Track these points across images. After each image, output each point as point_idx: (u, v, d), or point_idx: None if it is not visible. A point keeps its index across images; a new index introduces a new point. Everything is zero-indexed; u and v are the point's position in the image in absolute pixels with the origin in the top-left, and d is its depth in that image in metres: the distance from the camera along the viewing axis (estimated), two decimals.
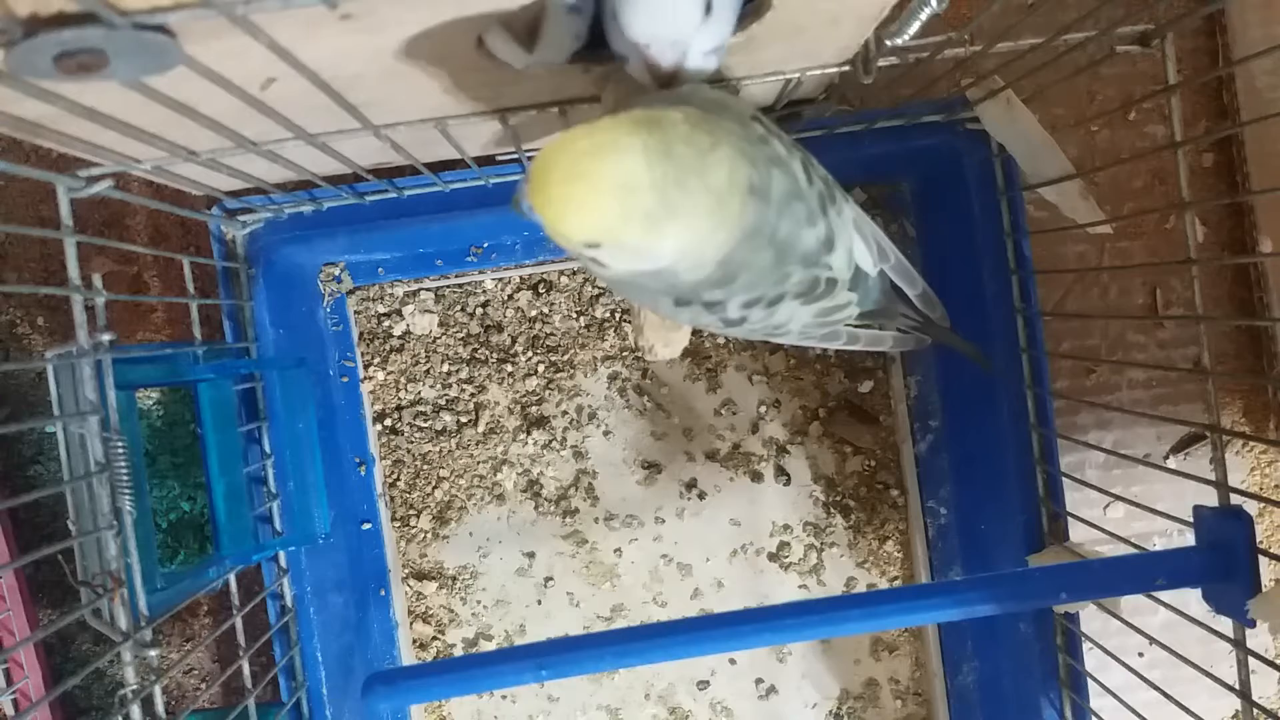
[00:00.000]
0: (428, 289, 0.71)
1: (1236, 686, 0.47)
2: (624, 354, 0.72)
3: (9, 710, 0.65)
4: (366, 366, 0.71)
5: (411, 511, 0.72)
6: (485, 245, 0.69)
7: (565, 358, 0.71)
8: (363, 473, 0.71)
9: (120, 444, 0.47)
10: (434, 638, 0.72)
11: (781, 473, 0.72)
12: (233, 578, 0.58)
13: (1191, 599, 0.50)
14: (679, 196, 0.34)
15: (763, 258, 0.40)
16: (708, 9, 0.36)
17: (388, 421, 0.72)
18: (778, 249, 0.40)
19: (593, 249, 0.35)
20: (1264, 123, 0.65)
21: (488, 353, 0.71)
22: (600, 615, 0.72)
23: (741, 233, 0.38)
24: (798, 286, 0.43)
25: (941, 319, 0.55)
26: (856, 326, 0.52)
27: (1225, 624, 0.48)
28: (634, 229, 0.34)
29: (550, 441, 0.72)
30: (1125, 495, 0.58)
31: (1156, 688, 0.52)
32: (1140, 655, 0.67)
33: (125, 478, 0.47)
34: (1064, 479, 0.61)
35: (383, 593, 0.71)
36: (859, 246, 0.47)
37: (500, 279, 0.71)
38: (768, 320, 0.45)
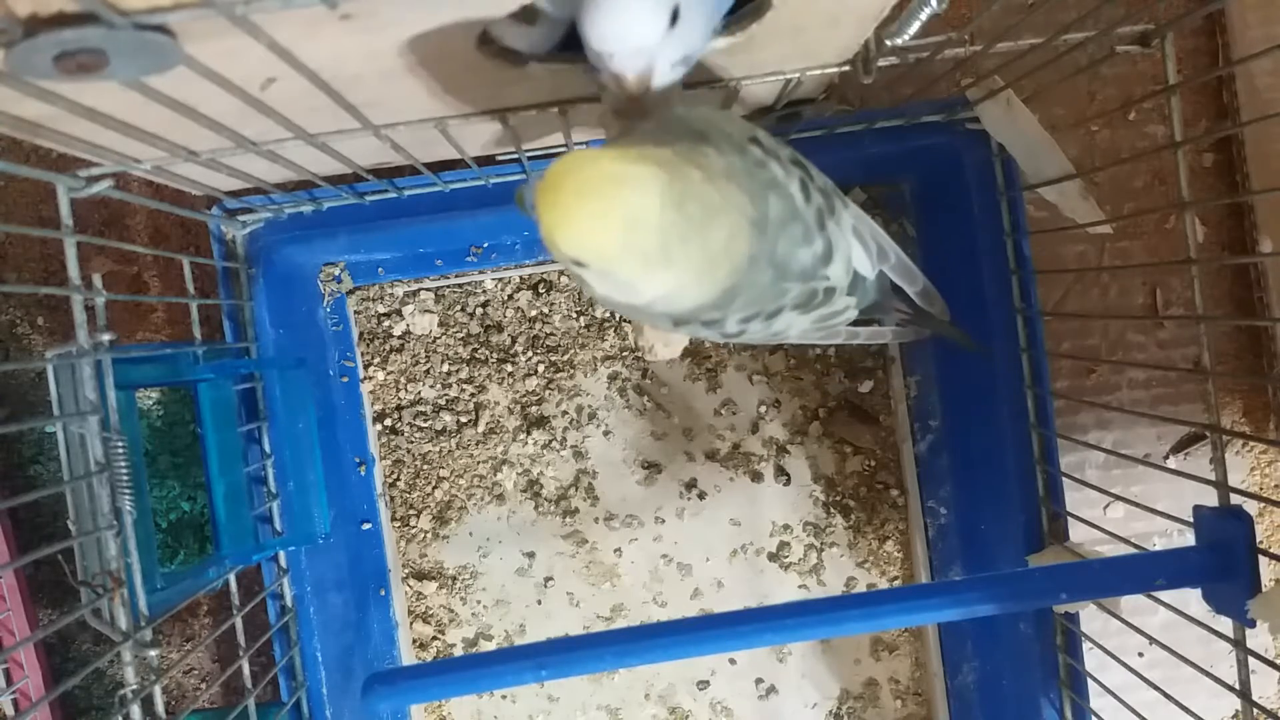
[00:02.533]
0: (428, 289, 0.71)
1: (1236, 686, 0.47)
2: (624, 354, 0.72)
3: (9, 710, 0.65)
4: (366, 366, 0.71)
5: (411, 511, 0.72)
6: (485, 245, 0.69)
7: (565, 358, 0.71)
8: (363, 473, 0.71)
9: (120, 444, 0.47)
10: (434, 638, 0.72)
11: (781, 473, 0.72)
12: (233, 578, 0.58)
13: (1191, 599, 0.50)
14: (678, 249, 0.35)
15: (761, 279, 0.41)
16: (674, 19, 0.35)
17: (388, 421, 0.72)
18: (776, 268, 0.41)
19: (579, 267, 0.35)
20: (1264, 123, 0.65)
21: (488, 353, 0.72)
22: (600, 615, 0.72)
23: (729, 283, 0.39)
24: (796, 299, 0.44)
25: (942, 313, 0.55)
26: (855, 324, 0.53)
27: (1225, 624, 0.48)
28: (629, 265, 0.35)
29: (550, 441, 0.72)
30: (1125, 495, 0.58)
31: (1156, 688, 0.52)
32: (1140, 655, 0.67)
33: (125, 478, 0.47)
34: (1064, 479, 0.61)
35: (383, 593, 0.71)
36: (858, 253, 0.48)
37: (500, 279, 0.71)
38: (766, 330, 0.45)
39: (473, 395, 0.72)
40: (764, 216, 0.39)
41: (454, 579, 0.72)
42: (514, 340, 0.72)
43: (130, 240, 0.69)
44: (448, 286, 0.71)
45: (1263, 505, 0.72)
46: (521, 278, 0.71)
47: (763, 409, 0.72)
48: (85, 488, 0.47)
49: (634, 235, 0.34)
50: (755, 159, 0.40)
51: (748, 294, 0.41)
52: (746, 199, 0.38)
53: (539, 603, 0.72)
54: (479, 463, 0.72)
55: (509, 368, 0.71)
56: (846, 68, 0.47)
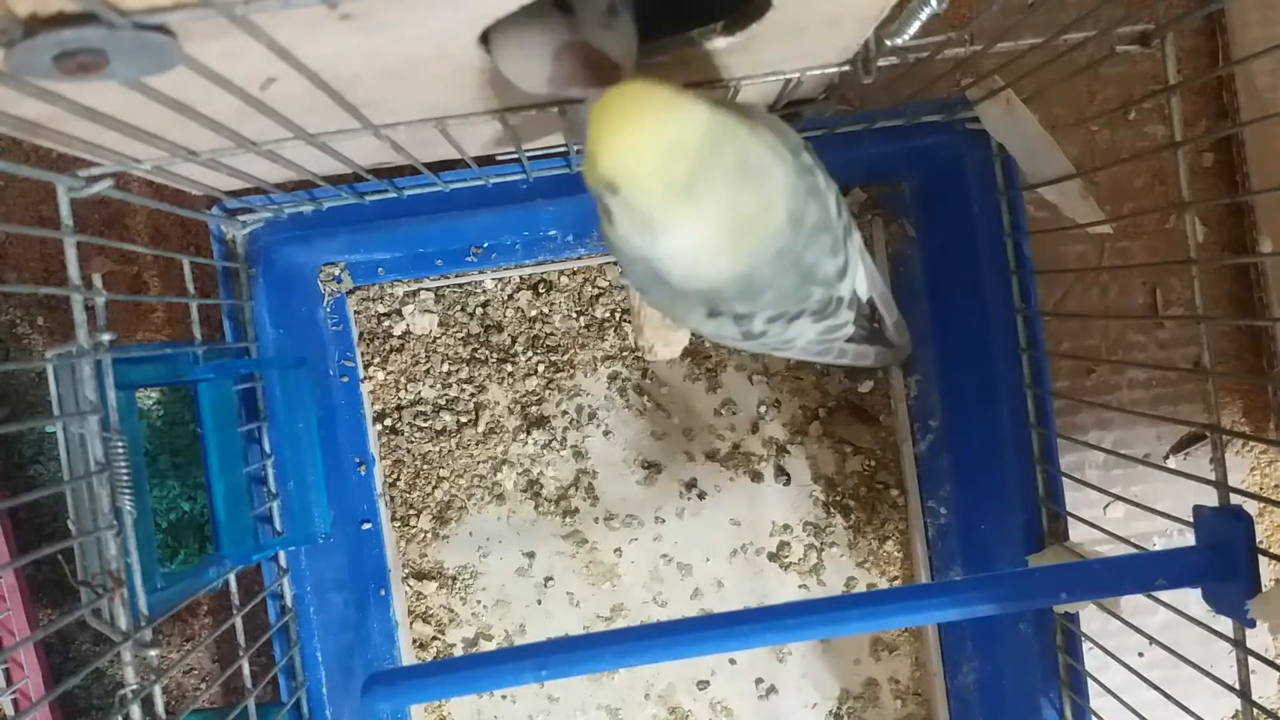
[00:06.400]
0: (428, 289, 0.71)
1: (1236, 686, 0.47)
2: (624, 354, 0.72)
3: (9, 710, 0.65)
4: (366, 366, 0.71)
5: (411, 511, 0.72)
6: (485, 245, 0.69)
7: (565, 358, 0.71)
8: (363, 473, 0.71)
9: (120, 444, 0.47)
10: (434, 638, 0.72)
11: (781, 473, 0.72)
12: (233, 578, 0.58)
13: (1191, 599, 0.50)
14: (705, 191, 0.35)
15: (787, 280, 0.42)
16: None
17: (388, 421, 0.72)
18: (802, 273, 0.43)
19: (610, 195, 0.36)
20: (1264, 123, 0.65)
21: (488, 353, 0.72)
22: (600, 615, 0.72)
23: (757, 260, 0.39)
24: (816, 305, 0.46)
25: (906, 346, 0.58)
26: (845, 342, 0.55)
27: (1225, 624, 0.48)
28: (655, 191, 0.35)
29: (550, 441, 0.72)
30: (1125, 495, 0.58)
31: (1156, 688, 0.52)
32: (1140, 655, 0.67)
33: (125, 478, 0.47)
34: (1064, 479, 0.61)
35: (383, 593, 0.71)
36: (861, 275, 0.50)
37: (500, 279, 0.71)
38: (782, 335, 0.47)
39: (473, 395, 0.72)
40: (801, 217, 0.40)
41: (454, 579, 0.72)
42: (514, 340, 0.72)
43: (130, 240, 0.69)
44: (448, 286, 0.71)
45: (1263, 505, 0.72)
46: (521, 278, 0.71)
47: (763, 409, 0.72)
48: (85, 488, 0.47)
49: (668, 161, 0.34)
50: (806, 164, 0.41)
51: (774, 292, 0.42)
52: (788, 188, 0.38)
53: (539, 603, 0.72)
54: (479, 463, 0.72)
55: (509, 368, 0.71)
56: (846, 68, 0.47)
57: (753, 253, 0.39)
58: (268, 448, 0.62)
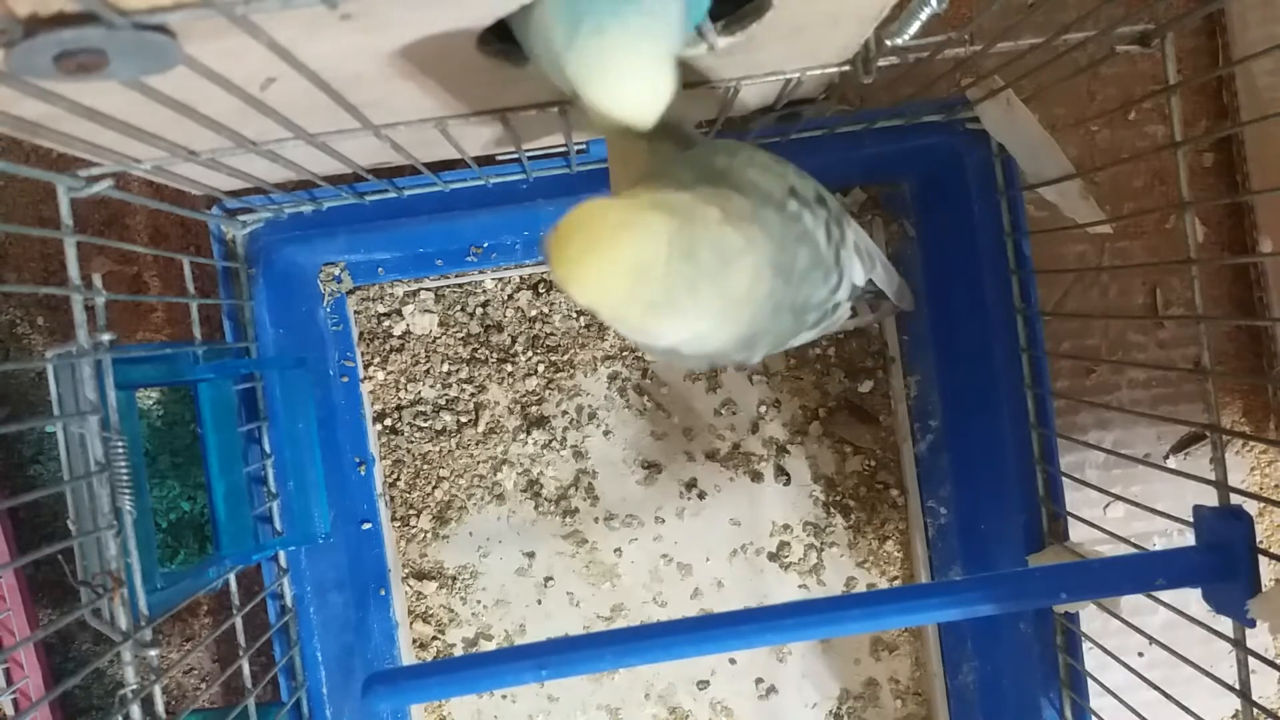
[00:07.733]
0: (428, 289, 0.71)
1: (1236, 686, 0.47)
2: (624, 354, 0.72)
3: (9, 710, 0.65)
4: (366, 366, 0.71)
5: (411, 511, 0.72)
6: (485, 245, 0.69)
7: (565, 358, 0.71)
8: (363, 473, 0.71)
9: (120, 444, 0.47)
10: (434, 638, 0.72)
11: (781, 473, 0.72)
12: (233, 578, 0.58)
13: (1191, 599, 0.50)
14: (686, 298, 0.34)
15: (782, 323, 0.43)
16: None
17: (388, 421, 0.72)
18: (796, 313, 0.44)
19: (595, 311, 0.36)
20: (1264, 123, 0.65)
21: (488, 353, 0.72)
22: (600, 615, 0.72)
23: (754, 325, 0.39)
24: (811, 323, 0.47)
25: (909, 305, 0.61)
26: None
27: (1225, 624, 0.48)
28: (634, 311, 0.34)
29: (550, 441, 0.72)
30: (1125, 495, 0.58)
31: (1156, 688, 0.52)
32: (1140, 655, 0.67)
33: (125, 478, 0.47)
34: (1064, 479, 0.61)
35: (383, 593, 0.71)
36: (856, 268, 0.50)
37: (500, 279, 0.71)
38: (780, 349, 0.49)
39: (473, 395, 0.72)
40: (791, 267, 0.40)
41: (454, 579, 0.72)
42: (514, 340, 0.72)
43: (130, 240, 0.69)
44: (448, 286, 0.71)
45: (1263, 505, 0.72)
46: (521, 278, 0.71)
47: (763, 409, 0.72)
48: (85, 488, 0.47)
49: (640, 286, 0.33)
50: (791, 212, 0.41)
51: (771, 336, 0.43)
52: (774, 245, 0.39)
53: (539, 603, 0.72)
54: (479, 463, 0.72)
55: (509, 368, 0.71)
56: (846, 68, 0.47)
57: (752, 319, 0.39)
58: (268, 448, 0.62)
